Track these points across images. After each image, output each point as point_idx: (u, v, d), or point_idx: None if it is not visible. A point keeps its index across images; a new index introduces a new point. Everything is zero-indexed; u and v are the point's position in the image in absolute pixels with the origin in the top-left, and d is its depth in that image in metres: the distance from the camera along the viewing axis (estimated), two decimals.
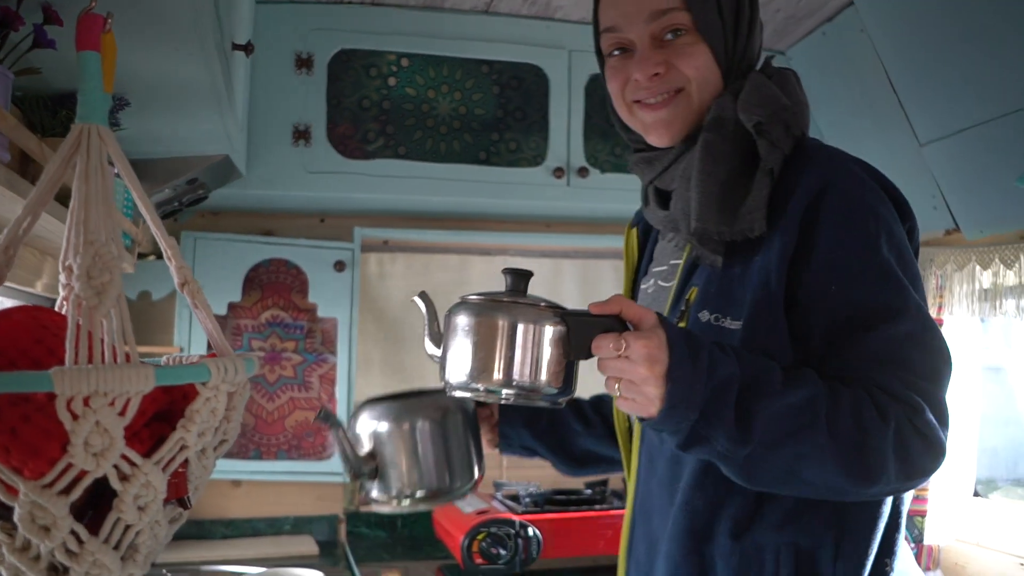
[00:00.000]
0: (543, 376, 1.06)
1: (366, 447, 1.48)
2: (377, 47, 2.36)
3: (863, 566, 1.11)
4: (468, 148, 2.42)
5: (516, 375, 1.06)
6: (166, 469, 0.77)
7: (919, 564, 1.51)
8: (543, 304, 1.10)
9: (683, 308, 1.20)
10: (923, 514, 2.39)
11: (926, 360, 1.05)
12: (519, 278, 1.18)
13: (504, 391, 1.07)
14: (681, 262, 1.25)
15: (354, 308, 2.53)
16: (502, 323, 1.07)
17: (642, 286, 1.38)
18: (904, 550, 1.20)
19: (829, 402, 1.00)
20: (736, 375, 0.99)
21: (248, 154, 2.23)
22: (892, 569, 1.15)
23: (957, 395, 2.42)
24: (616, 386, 1.00)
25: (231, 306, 2.48)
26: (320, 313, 2.52)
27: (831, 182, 1.11)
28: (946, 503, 2.38)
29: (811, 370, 1.04)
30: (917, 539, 2.40)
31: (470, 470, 1.51)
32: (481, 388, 1.08)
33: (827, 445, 0.98)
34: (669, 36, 1.20)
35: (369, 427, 1.48)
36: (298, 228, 2.60)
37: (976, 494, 2.51)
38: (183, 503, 0.81)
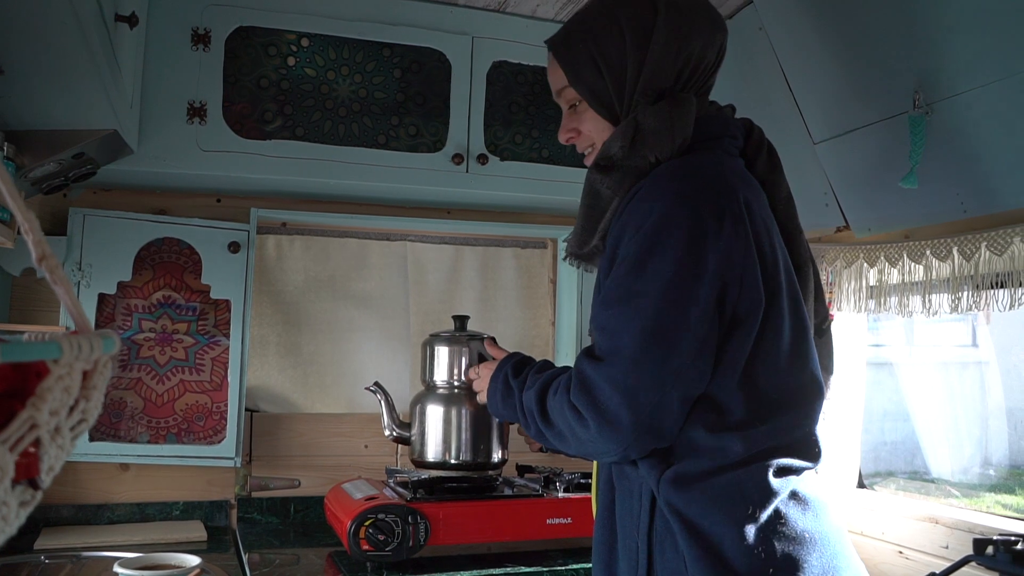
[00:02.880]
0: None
1: (416, 421, 2.26)
2: (277, 26, 2.32)
3: (740, 522, 1.29)
4: (367, 131, 2.40)
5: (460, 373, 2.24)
6: (14, 449, 0.74)
7: None
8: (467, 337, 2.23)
9: None
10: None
11: (604, 343, 1.33)
12: (460, 320, 2.30)
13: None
14: None
15: (248, 290, 2.48)
16: (462, 348, 2.24)
17: None
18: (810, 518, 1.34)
19: (540, 402, 1.45)
20: (516, 392, 1.54)
21: (140, 130, 2.17)
22: (758, 520, 1.30)
23: (841, 390, 2.49)
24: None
25: (121, 285, 2.41)
26: (213, 295, 2.47)
27: (635, 194, 1.37)
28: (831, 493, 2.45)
29: (554, 374, 1.48)
30: None
31: (492, 452, 2.26)
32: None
33: (544, 430, 1.45)
34: (574, 106, 1.54)
35: (422, 405, 2.26)
36: (193, 207, 2.54)
37: (861, 485, 2.58)
38: (34, 484, 0.78)
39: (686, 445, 1.34)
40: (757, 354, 1.35)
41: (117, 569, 1.86)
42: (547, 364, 1.59)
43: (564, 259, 1.56)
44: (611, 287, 1.34)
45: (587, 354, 1.36)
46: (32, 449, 0.79)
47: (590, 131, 1.53)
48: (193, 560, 1.95)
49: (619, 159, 1.41)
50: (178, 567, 1.92)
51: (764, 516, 1.29)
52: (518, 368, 1.61)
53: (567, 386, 1.37)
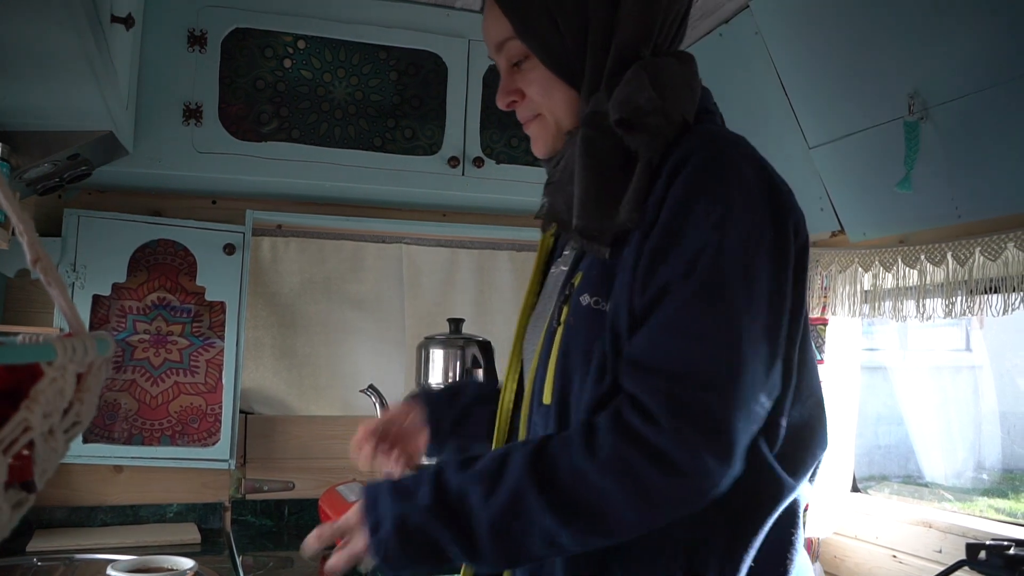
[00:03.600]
0: None
1: None
2: (273, 27, 2.32)
3: (757, 562, 1.11)
4: (363, 134, 2.40)
5: None
6: (8, 451, 0.74)
7: None
8: None
9: (567, 292, 1.20)
10: (805, 508, 2.45)
11: (693, 357, 1.01)
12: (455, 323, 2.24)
13: None
14: (575, 250, 1.25)
15: (243, 292, 2.48)
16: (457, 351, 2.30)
17: (552, 271, 1.37)
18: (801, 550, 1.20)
19: (539, 489, 1.02)
20: (436, 520, 1.06)
21: (135, 131, 2.17)
22: (792, 562, 1.16)
23: (836, 394, 2.49)
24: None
25: (115, 287, 2.41)
26: (208, 297, 2.47)
27: (687, 161, 1.09)
28: (825, 498, 2.45)
29: (513, 455, 1.06)
30: None
31: None
32: None
33: (541, 530, 1.02)
34: (517, 63, 1.25)
35: None
36: (189, 209, 2.54)
37: (855, 489, 2.58)
38: (28, 487, 0.78)
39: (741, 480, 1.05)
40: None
41: (110, 572, 1.86)
42: (467, 461, 1.11)
43: (585, 238, 1.17)
44: (690, 285, 1.03)
45: (671, 373, 1.01)
46: (26, 452, 0.78)
47: (537, 94, 1.24)
48: (187, 562, 1.95)
49: (649, 111, 1.12)
50: (172, 569, 1.92)
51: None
52: (401, 493, 1.12)
53: (623, 432, 1.00)
